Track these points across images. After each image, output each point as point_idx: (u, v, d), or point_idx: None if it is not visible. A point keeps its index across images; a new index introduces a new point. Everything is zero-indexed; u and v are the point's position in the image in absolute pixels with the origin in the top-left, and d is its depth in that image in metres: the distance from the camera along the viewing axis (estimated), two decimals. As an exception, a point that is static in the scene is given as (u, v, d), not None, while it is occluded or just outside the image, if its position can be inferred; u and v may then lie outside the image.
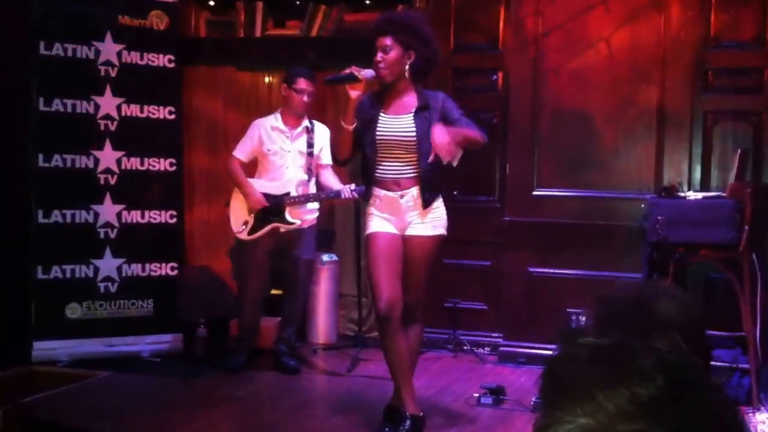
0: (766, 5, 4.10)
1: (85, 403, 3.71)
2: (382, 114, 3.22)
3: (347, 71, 3.20)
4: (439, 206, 3.27)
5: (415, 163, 3.19)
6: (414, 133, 3.18)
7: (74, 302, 4.32)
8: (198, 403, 3.77)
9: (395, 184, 3.21)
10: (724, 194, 3.81)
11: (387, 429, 3.25)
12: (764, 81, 4.14)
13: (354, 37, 4.80)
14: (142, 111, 4.51)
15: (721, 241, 3.61)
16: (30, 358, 4.17)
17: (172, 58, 4.58)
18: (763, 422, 3.41)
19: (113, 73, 4.43)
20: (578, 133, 4.41)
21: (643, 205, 4.00)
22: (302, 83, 4.12)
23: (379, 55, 3.18)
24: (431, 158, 3.13)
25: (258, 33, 4.98)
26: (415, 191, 3.20)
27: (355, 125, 3.22)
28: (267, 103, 5.07)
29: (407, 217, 3.23)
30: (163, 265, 4.53)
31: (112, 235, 4.42)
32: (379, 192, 3.23)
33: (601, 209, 4.36)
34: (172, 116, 4.59)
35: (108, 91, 4.42)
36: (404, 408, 3.23)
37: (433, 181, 3.23)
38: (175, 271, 4.56)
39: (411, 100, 3.24)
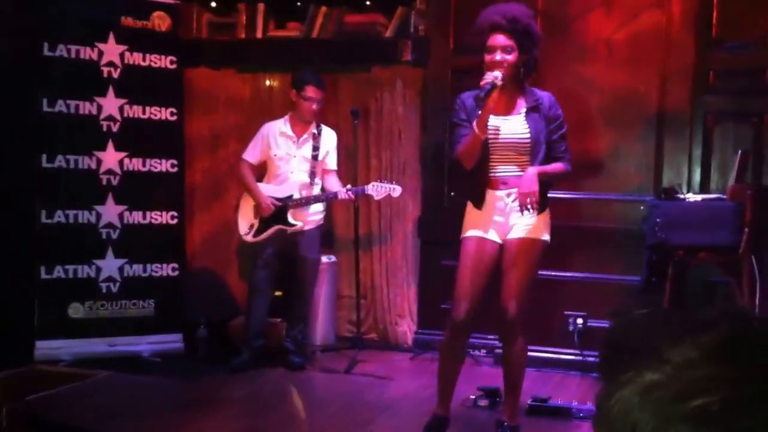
0: (769, 6, 4.06)
1: (87, 402, 3.75)
2: (492, 116, 3.07)
3: (489, 81, 2.95)
4: (544, 210, 3.16)
5: (526, 164, 3.08)
6: (528, 135, 3.08)
7: (76, 302, 4.36)
8: (198, 403, 3.80)
9: (502, 183, 3.10)
10: (724, 196, 3.78)
11: None
12: (766, 82, 4.10)
13: (354, 37, 4.81)
14: (144, 112, 4.54)
15: (720, 243, 3.59)
16: (32, 357, 4.22)
17: (174, 59, 4.60)
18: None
19: (116, 75, 4.46)
20: (578, 134, 4.38)
21: (642, 208, 3.98)
22: (311, 91, 4.15)
23: (500, 56, 3.02)
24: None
25: (259, 34, 4.99)
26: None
27: (487, 135, 3.05)
28: (268, 104, 5.08)
29: (511, 220, 3.12)
30: (164, 265, 4.56)
31: (114, 236, 4.45)
32: (485, 192, 3.12)
33: (600, 211, 4.34)
34: (174, 117, 4.61)
35: (110, 92, 4.45)
36: (438, 410, 3.27)
37: (547, 184, 3.13)
38: (176, 272, 4.59)
39: (519, 99, 3.13)
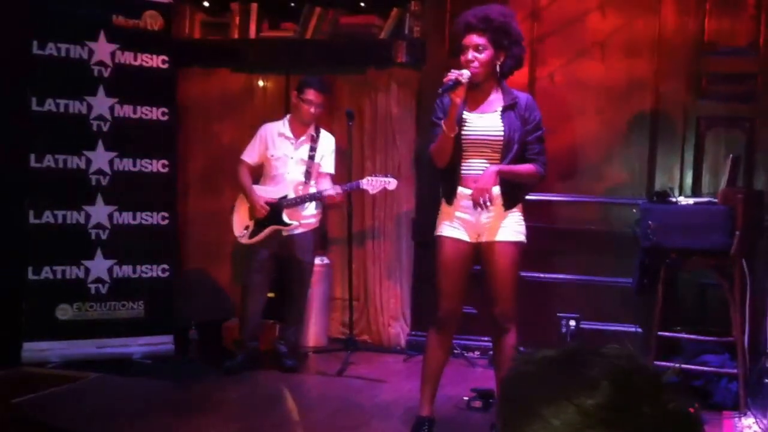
0: (761, 12, 4.11)
1: (76, 405, 3.70)
2: (466, 113, 3.12)
3: (452, 78, 2.99)
4: (517, 211, 3.18)
5: (497, 162, 3.10)
6: (501, 133, 3.10)
7: (65, 303, 4.30)
8: (190, 406, 3.76)
9: (473, 182, 3.10)
10: (715, 200, 3.82)
11: None
12: (758, 87, 4.15)
13: (349, 39, 4.80)
14: (135, 112, 4.49)
15: (712, 246, 3.62)
16: (20, 359, 4.15)
17: (166, 58, 4.56)
18: (749, 427, 3.42)
19: (106, 74, 4.41)
20: (572, 137, 4.41)
21: (635, 211, 4.01)
22: (311, 94, 4.15)
23: (471, 54, 3.07)
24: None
25: (252, 35, 4.97)
26: (495, 191, 3.10)
27: (456, 132, 3.09)
28: (261, 104, 5.06)
29: (483, 219, 3.13)
30: (154, 267, 4.51)
31: (104, 237, 4.40)
32: (459, 190, 3.14)
33: (593, 214, 4.37)
34: (166, 117, 4.57)
35: (101, 92, 4.40)
36: (420, 410, 3.28)
37: (514, 187, 3.15)
38: (167, 273, 4.54)
39: (496, 97, 3.16)
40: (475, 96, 3.14)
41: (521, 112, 3.13)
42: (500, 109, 3.14)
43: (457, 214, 3.16)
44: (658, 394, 0.65)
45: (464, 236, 3.16)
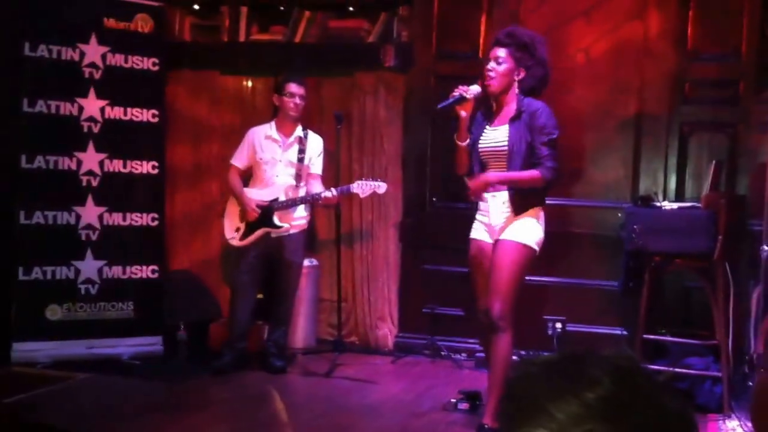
0: (743, 19, 4.16)
1: (66, 404, 3.71)
2: (487, 127, 3.34)
3: (456, 93, 3.24)
4: (531, 216, 3.25)
5: (504, 171, 3.27)
6: (505, 143, 3.26)
7: (54, 304, 4.32)
8: (178, 406, 3.78)
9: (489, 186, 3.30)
10: (698, 204, 3.86)
11: None
12: (740, 93, 4.20)
13: (337, 42, 4.84)
14: (125, 113, 4.52)
15: (695, 250, 3.67)
16: (9, 359, 4.16)
17: (157, 61, 4.59)
18: (734, 429, 3.47)
19: (97, 75, 4.44)
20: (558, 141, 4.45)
21: (620, 214, 4.06)
22: (292, 87, 4.20)
23: (491, 65, 3.27)
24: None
25: (242, 38, 5.00)
26: (505, 195, 3.26)
27: (468, 141, 3.32)
28: (251, 107, 5.08)
29: (496, 220, 3.28)
30: (144, 267, 4.54)
31: (94, 237, 4.42)
32: (480, 195, 3.35)
33: (579, 217, 4.41)
34: (156, 119, 4.60)
35: (92, 93, 4.43)
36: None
37: (523, 191, 3.25)
38: (156, 274, 4.57)
39: (510, 110, 3.30)
40: (496, 109, 3.35)
41: (527, 120, 3.25)
42: (508, 120, 3.29)
43: (477, 216, 3.39)
44: (656, 392, 0.68)
45: (486, 237, 3.34)
